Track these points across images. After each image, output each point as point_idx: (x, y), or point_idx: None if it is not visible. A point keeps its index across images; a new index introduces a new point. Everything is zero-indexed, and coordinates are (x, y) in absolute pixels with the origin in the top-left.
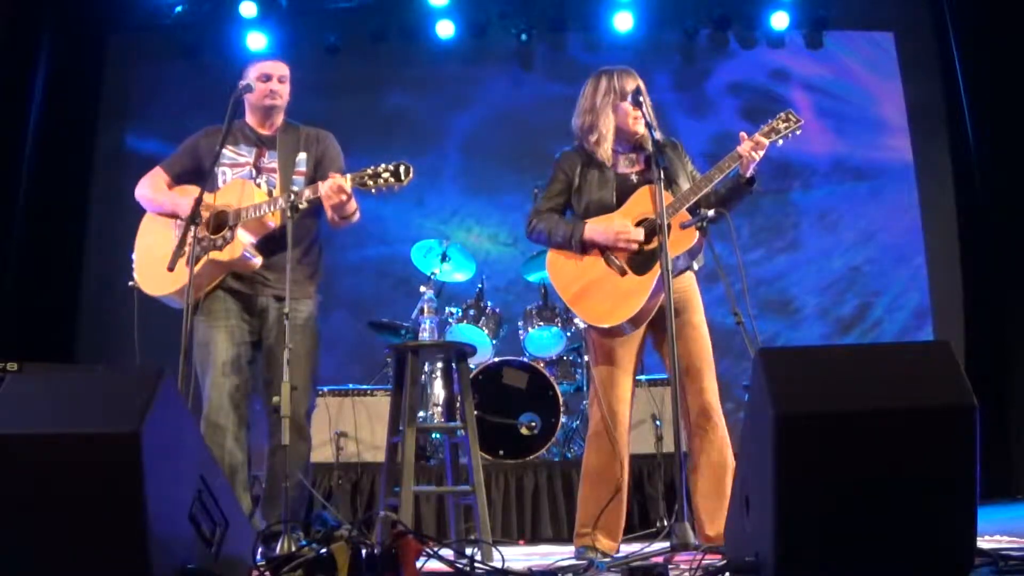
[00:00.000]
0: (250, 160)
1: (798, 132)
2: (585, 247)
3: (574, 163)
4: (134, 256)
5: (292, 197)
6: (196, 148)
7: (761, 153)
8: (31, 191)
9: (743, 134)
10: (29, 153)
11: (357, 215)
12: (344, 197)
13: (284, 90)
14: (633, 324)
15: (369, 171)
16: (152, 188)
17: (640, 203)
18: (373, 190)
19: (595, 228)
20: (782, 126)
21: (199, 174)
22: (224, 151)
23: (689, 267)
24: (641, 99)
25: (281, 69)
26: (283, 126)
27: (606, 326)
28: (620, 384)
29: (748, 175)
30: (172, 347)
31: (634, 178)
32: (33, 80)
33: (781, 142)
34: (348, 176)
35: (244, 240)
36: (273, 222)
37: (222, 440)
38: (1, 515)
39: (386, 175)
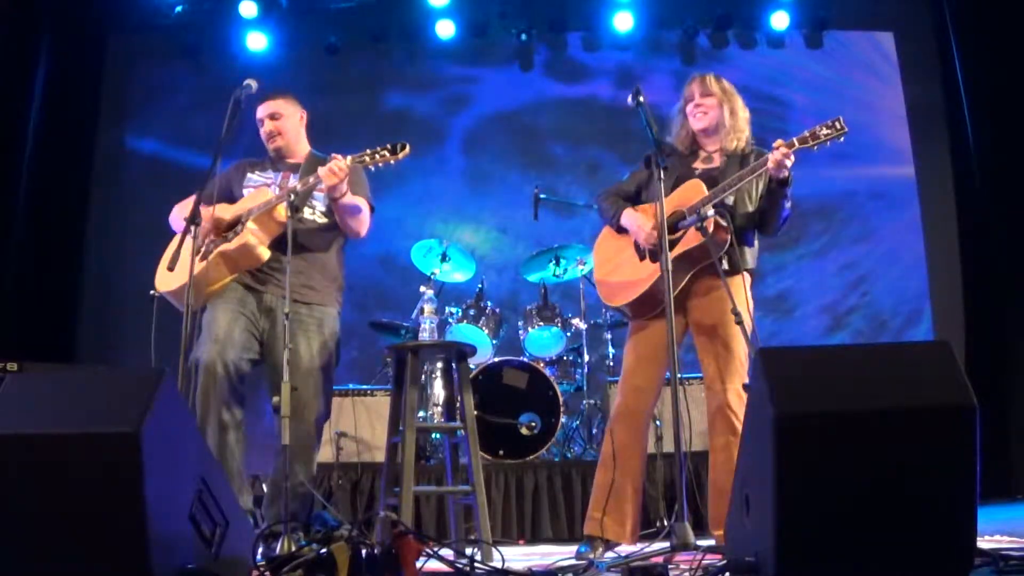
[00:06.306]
0: (275, 181)
1: (840, 140)
2: (622, 230)
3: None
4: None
5: (293, 197)
6: (228, 180)
7: (791, 161)
8: (31, 191)
9: (779, 141)
10: (29, 153)
11: (364, 226)
12: (340, 175)
13: (282, 125)
14: (635, 308)
15: (368, 152)
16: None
17: (681, 195)
18: (371, 167)
19: (629, 216)
20: (824, 132)
21: (232, 201)
22: (250, 175)
23: (729, 266)
24: (689, 106)
25: (269, 108)
26: (309, 155)
27: (608, 303)
28: (640, 373)
29: (780, 177)
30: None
31: (697, 172)
32: (33, 80)
33: (817, 148)
34: (348, 157)
35: (252, 228)
36: (284, 218)
37: (222, 438)
38: (1, 515)
39: (383, 152)
